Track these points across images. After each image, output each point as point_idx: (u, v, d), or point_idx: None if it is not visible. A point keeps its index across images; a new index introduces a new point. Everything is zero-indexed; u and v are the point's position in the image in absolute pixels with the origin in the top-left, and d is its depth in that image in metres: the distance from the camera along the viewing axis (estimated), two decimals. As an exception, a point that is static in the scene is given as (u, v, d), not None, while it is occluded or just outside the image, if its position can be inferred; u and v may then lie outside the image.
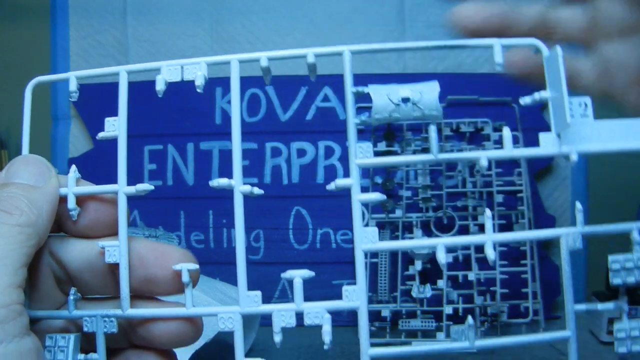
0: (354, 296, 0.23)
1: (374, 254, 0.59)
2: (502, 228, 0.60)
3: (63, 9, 0.71)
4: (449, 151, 0.63)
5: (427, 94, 0.23)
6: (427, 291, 0.55)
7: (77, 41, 0.70)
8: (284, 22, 0.69)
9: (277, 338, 0.23)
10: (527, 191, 0.60)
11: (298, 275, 0.23)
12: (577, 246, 0.22)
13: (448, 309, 0.55)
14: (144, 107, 0.68)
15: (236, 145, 0.24)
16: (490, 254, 0.22)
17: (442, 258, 0.22)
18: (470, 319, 0.22)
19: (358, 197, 0.23)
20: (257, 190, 0.24)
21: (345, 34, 0.69)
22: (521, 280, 0.58)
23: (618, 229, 0.22)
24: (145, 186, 0.24)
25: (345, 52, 0.24)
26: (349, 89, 0.24)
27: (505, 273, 0.59)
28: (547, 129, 0.23)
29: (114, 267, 0.24)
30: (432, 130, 0.23)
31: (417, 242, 0.31)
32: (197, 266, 0.24)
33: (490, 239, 0.23)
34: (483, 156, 0.23)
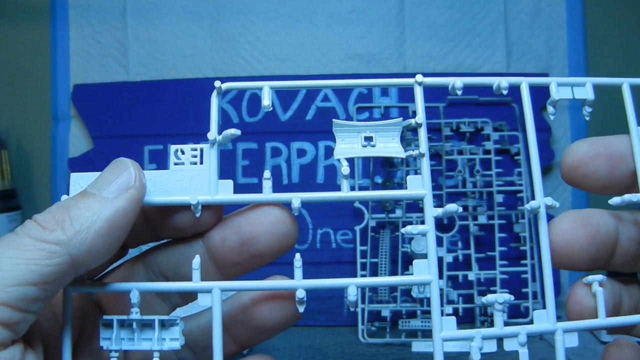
0: None
1: (374, 254, 0.59)
2: (502, 228, 0.60)
3: (63, 9, 0.71)
4: (449, 151, 0.63)
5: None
6: (427, 291, 0.55)
7: (77, 41, 0.70)
8: (284, 22, 0.69)
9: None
10: (527, 191, 0.60)
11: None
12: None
13: (448, 309, 0.55)
14: (144, 107, 0.68)
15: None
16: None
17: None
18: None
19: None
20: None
21: (345, 34, 0.69)
22: (521, 280, 0.58)
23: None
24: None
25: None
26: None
27: (505, 273, 0.59)
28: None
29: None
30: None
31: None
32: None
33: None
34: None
